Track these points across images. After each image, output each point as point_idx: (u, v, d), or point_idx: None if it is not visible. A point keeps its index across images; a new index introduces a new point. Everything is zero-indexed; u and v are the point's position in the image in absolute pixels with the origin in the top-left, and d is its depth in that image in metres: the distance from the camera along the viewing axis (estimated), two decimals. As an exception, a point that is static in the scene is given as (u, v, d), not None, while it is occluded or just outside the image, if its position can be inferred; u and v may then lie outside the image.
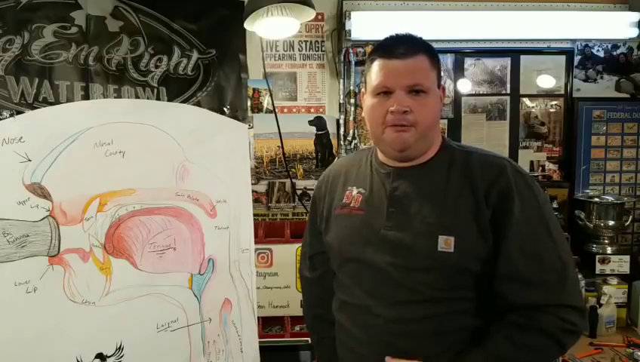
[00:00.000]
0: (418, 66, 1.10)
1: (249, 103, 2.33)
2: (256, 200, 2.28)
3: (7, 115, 2.04)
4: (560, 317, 1.02)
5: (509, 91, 2.43)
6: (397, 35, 1.15)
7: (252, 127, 2.31)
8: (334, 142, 2.36)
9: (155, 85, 2.24)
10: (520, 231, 1.04)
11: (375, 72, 1.12)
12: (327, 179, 1.32)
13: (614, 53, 2.39)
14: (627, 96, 2.41)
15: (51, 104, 2.10)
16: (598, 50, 2.39)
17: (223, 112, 2.23)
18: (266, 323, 2.07)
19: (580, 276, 2.10)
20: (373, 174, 1.22)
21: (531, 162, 2.45)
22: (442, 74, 2.29)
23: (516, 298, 1.04)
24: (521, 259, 1.04)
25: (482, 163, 1.12)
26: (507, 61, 2.41)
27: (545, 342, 1.02)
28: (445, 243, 1.06)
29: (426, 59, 1.11)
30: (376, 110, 1.12)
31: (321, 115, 2.37)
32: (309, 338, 1.82)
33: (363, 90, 1.21)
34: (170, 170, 1.31)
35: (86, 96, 2.16)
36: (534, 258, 1.04)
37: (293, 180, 2.36)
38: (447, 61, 2.39)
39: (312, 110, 2.38)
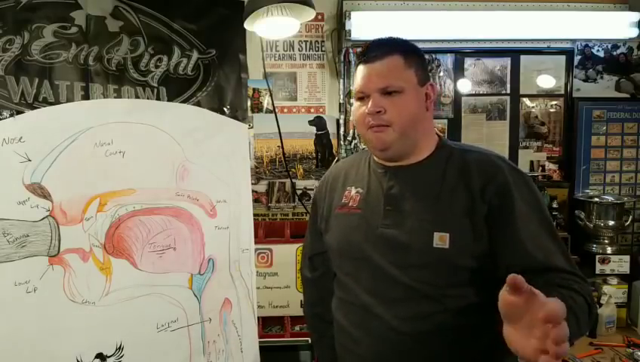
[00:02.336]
0: (389, 67, 1.11)
1: (249, 103, 2.33)
2: (256, 200, 2.28)
3: (7, 115, 2.04)
4: (578, 282, 1.01)
5: (509, 91, 2.43)
6: (376, 38, 1.18)
7: (252, 127, 2.31)
8: (334, 142, 2.36)
9: (155, 85, 2.24)
10: (525, 223, 1.05)
11: (357, 77, 1.17)
12: (328, 180, 1.34)
13: (614, 53, 2.39)
14: (627, 96, 2.41)
15: (51, 104, 2.09)
16: (598, 50, 2.38)
17: (223, 112, 2.23)
18: (266, 323, 2.07)
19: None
20: (370, 174, 1.23)
21: (531, 162, 2.45)
22: (441, 73, 2.37)
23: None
24: (533, 249, 1.04)
25: (478, 161, 1.13)
26: (507, 61, 2.41)
27: (582, 300, 0.97)
28: (440, 239, 1.07)
29: (399, 59, 1.12)
30: (357, 114, 1.17)
31: (321, 115, 2.37)
32: (309, 338, 1.83)
33: None
34: (170, 170, 1.31)
35: (86, 96, 2.16)
36: (542, 246, 1.04)
37: (293, 180, 2.36)
38: (447, 61, 2.40)
39: (312, 110, 2.38)
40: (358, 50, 2.23)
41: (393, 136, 1.12)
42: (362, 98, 1.15)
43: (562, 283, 0.98)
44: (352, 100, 2.26)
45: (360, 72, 1.15)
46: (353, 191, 1.23)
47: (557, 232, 1.11)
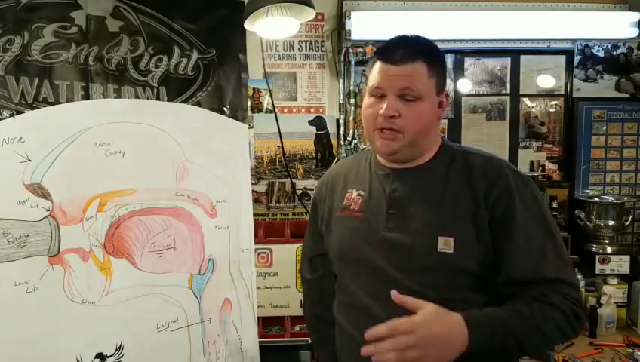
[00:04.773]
0: (413, 73, 1.08)
1: (249, 103, 2.33)
2: (256, 200, 2.28)
3: (7, 115, 2.04)
4: (565, 295, 1.02)
5: (509, 91, 2.43)
6: (402, 36, 1.14)
7: (252, 127, 2.31)
8: (334, 142, 2.36)
9: (155, 85, 2.24)
10: (523, 234, 1.05)
11: (373, 73, 1.13)
12: (328, 181, 1.33)
13: (614, 53, 2.39)
14: (627, 96, 2.40)
15: (51, 104, 2.09)
16: (598, 50, 2.38)
17: (223, 112, 2.23)
18: (266, 323, 2.07)
19: (580, 276, 2.12)
20: (372, 176, 1.22)
21: (531, 162, 2.45)
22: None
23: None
24: (526, 261, 1.04)
25: (481, 164, 1.12)
26: (507, 61, 2.41)
27: (555, 313, 1.01)
28: (445, 243, 1.07)
29: (423, 66, 1.09)
30: (369, 111, 1.14)
31: (321, 115, 2.37)
32: (309, 338, 1.83)
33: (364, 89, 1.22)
34: (170, 170, 1.31)
35: (86, 96, 2.16)
36: (535, 257, 1.04)
37: (293, 180, 2.36)
38: (448, 61, 2.39)
39: (312, 110, 2.38)
40: (359, 49, 2.26)
41: (402, 144, 1.10)
42: (377, 96, 1.12)
43: (540, 297, 1.01)
44: (353, 100, 2.29)
45: (380, 69, 1.11)
46: (354, 193, 1.22)
47: (558, 236, 1.09)
